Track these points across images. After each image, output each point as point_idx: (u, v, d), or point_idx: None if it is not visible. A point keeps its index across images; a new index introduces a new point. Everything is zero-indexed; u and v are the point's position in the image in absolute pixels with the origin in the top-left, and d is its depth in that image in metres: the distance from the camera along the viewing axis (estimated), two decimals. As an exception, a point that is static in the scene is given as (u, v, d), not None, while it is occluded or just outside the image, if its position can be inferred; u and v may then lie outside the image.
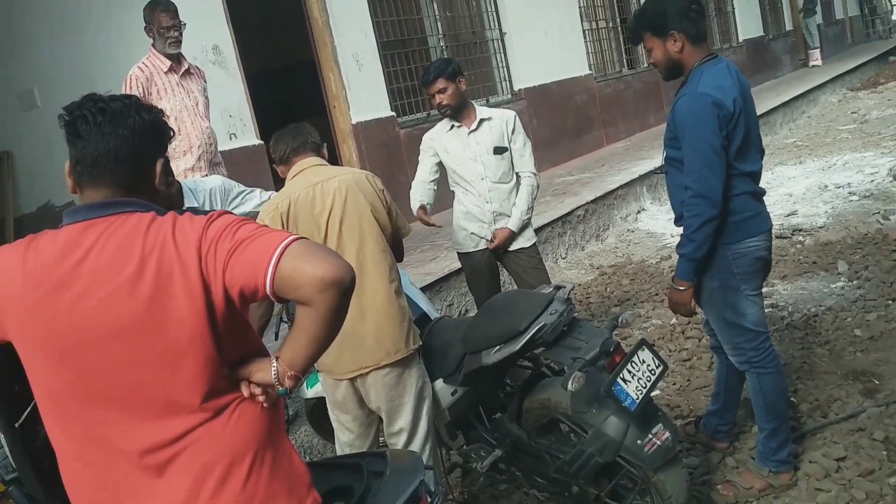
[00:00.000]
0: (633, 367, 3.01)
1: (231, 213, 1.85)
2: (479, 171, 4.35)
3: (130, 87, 4.78)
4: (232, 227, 1.76)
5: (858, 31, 26.83)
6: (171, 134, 2.00)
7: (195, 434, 1.77)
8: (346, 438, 3.40)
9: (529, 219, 4.52)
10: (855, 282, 5.64)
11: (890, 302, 5.14)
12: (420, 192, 4.54)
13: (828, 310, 5.24)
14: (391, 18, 8.55)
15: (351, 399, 3.31)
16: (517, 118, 4.49)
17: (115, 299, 1.71)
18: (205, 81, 5.11)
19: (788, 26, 20.52)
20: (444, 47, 9.22)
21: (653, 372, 3.07)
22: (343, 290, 1.68)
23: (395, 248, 3.39)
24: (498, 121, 4.38)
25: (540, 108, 10.47)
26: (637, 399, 2.96)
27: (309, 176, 3.22)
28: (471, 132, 4.34)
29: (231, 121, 6.71)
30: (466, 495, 3.80)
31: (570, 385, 2.93)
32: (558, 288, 3.35)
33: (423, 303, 3.75)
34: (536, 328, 3.11)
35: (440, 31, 9.23)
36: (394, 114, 8.32)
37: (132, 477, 1.77)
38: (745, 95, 3.24)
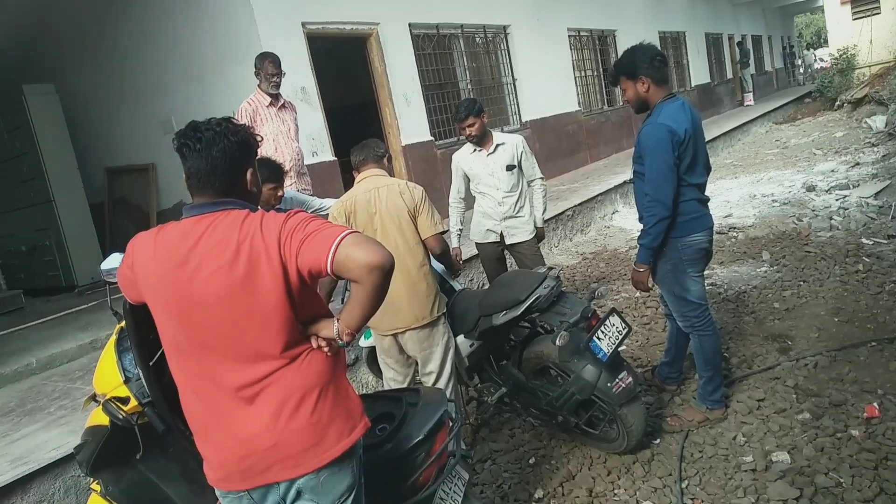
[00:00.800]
0: (606, 329, 2.97)
1: (304, 212, 1.83)
2: (494, 183, 4.30)
3: (241, 117, 4.78)
4: (304, 223, 1.74)
5: (782, 79, 26.26)
6: (259, 142, 1.97)
7: (277, 374, 1.77)
8: (391, 375, 3.40)
9: (535, 217, 4.46)
10: (775, 267, 5.52)
11: (801, 283, 5.02)
12: (455, 212, 4.47)
13: (754, 288, 5.13)
14: (432, 68, 8.46)
15: (393, 348, 3.31)
16: (524, 141, 4.42)
17: (219, 275, 1.71)
18: (296, 113, 5.09)
19: (729, 75, 20.13)
20: (470, 89, 9.13)
21: (620, 333, 3.03)
22: (385, 272, 1.68)
23: (427, 242, 3.27)
24: (510, 145, 4.31)
25: (541, 134, 10.36)
26: (608, 352, 2.92)
27: (368, 183, 3.23)
28: (489, 154, 4.28)
29: (314, 143, 6.70)
30: (480, 420, 3.77)
31: (557, 341, 2.90)
32: (550, 269, 3.32)
33: (447, 278, 3.72)
34: (534, 298, 3.08)
35: (468, 78, 9.14)
36: (432, 138, 8.26)
37: (231, 405, 1.78)
38: (696, 125, 3.18)
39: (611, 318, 3.02)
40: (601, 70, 12.79)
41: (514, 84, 10.03)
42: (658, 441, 3.37)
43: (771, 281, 5.19)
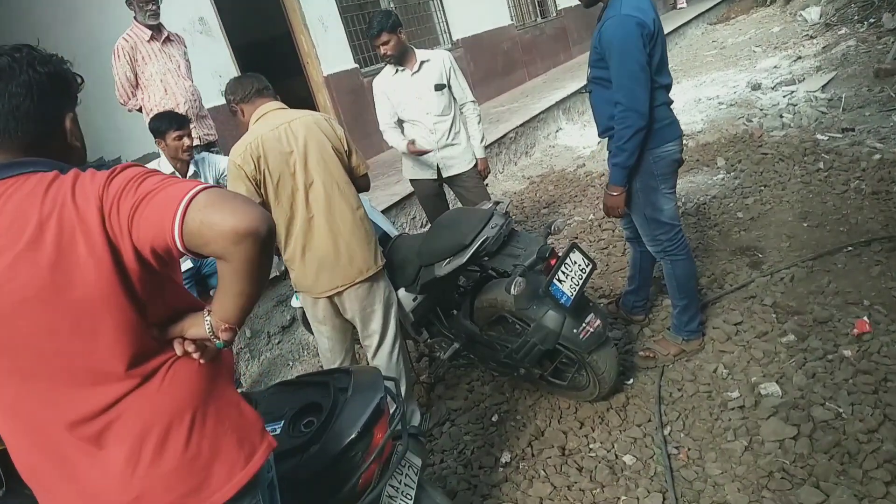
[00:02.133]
0: (567, 269, 2.51)
1: (138, 165, 1.26)
2: (423, 107, 3.71)
3: (118, 57, 4.07)
4: (135, 181, 1.18)
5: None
6: (80, 81, 1.39)
7: (126, 401, 1.25)
8: (326, 345, 2.90)
9: (473, 146, 3.89)
10: (732, 173, 5.15)
11: (762, 188, 4.66)
12: (396, 132, 3.86)
13: (713, 198, 4.75)
14: (349, -14, 7.66)
15: (329, 313, 2.79)
16: (451, 57, 3.82)
17: (17, 268, 1.14)
18: (185, 46, 4.37)
19: (660, -22, 19.47)
20: (393, 7, 8.34)
21: (583, 271, 2.57)
22: (260, 240, 1.16)
23: (356, 182, 2.78)
24: (436, 61, 3.72)
25: (475, 53, 9.68)
26: (571, 296, 2.48)
27: (272, 119, 2.58)
28: (413, 73, 3.69)
29: (220, 80, 5.91)
30: (434, 378, 3.34)
31: (512, 289, 2.43)
32: (497, 203, 2.81)
33: (383, 224, 3.19)
34: (480, 241, 2.59)
35: (390, -5, 8.35)
36: (357, 66, 7.52)
37: (72, 448, 1.24)
38: (657, 15, 2.66)
39: (571, 254, 2.56)
40: (532, -21, 12.04)
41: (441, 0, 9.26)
42: (631, 381, 3.00)
43: (730, 189, 4.82)
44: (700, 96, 8.08)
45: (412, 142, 3.74)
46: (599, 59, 2.69)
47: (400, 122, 3.84)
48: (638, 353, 3.14)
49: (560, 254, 2.54)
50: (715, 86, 8.53)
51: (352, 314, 2.79)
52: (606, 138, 2.88)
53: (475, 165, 3.89)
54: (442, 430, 3.05)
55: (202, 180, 3.53)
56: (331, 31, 7.21)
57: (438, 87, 3.68)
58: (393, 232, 3.17)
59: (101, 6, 5.40)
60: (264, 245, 1.17)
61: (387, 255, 3.00)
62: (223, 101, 5.75)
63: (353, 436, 1.83)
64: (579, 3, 2.80)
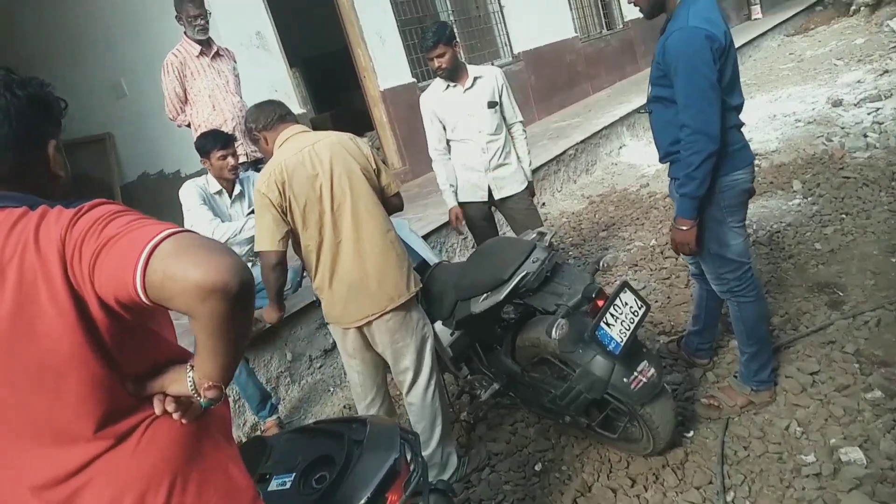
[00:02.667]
0: (616, 310, 2.25)
1: (113, 202, 1.10)
2: (475, 125, 3.50)
3: (167, 72, 4.03)
4: (100, 223, 1.03)
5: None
6: (64, 106, 1.26)
7: (97, 465, 1.12)
8: (357, 380, 2.71)
9: (523, 168, 3.68)
10: (810, 198, 4.73)
11: (844, 216, 4.24)
12: (442, 165, 3.64)
13: (788, 225, 4.36)
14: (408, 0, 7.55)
15: (359, 346, 2.61)
16: (503, 73, 3.62)
17: None
18: (234, 61, 4.31)
19: (734, -12, 18.77)
20: (453, 21, 8.20)
21: (636, 313, 2.30)
22: (229, 297, 1.00)
23: (386, 202, 2.62)
24: (488, 77, 3.53)
25: (536, 66, 9.42)
26: (621, 342, 2.21)
27: (295, 143, 2.46)
28: (466, 90, 3.49)
29: (276, 95, 5.88)
30: (473, 419, 3.10)
31: (553, 332, 2.18)
32: (542, 235, 2.57)
33: (422, 250, 2.99)
34: (519, 277, 2.35)
35: (449, 8, 8.21)
36: (414, 80, 7.38)
37: None
38: (728, 29, 2.37)
39: (622, 294, 2.29)
40: (597, -10, 11.73)
41: (502, 12, 9.06)
42: (692, 434, 2.70)
43: (807, 216, 4.42)
44: (775, 112, 7.59)
45: (456, 209, 3.64)
46: (662, 77, 2.42)
47: (448, 144, 3.63)
48: (700, 400, 2.84)
49: (609, 293, 2.28)
50: (792, 101, 8.02)
51: (382, 348, 2.60)
52: (668, 163, 2.61)
53: (527, 187, 3.66)
54: (481, 477, 2.82)
55: (247, 199, 3.46)
56: (388, 45, 7.10)
57: (491, 105, 3.48)
58: (433, 259, 2.97)
59: (159, 22, 5.44)
60: (235, 302, 1.00)
61: (424, 284, 2.81)
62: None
63: (364, 497, 1.63)
64: (641, 13, 2.52)
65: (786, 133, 6.64)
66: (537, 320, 2.57)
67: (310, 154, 2.42)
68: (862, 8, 13.43)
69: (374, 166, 2.58)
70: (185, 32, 4.03)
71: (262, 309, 2.69)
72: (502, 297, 2.36)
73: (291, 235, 2.44)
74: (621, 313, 2.25)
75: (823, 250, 3.86)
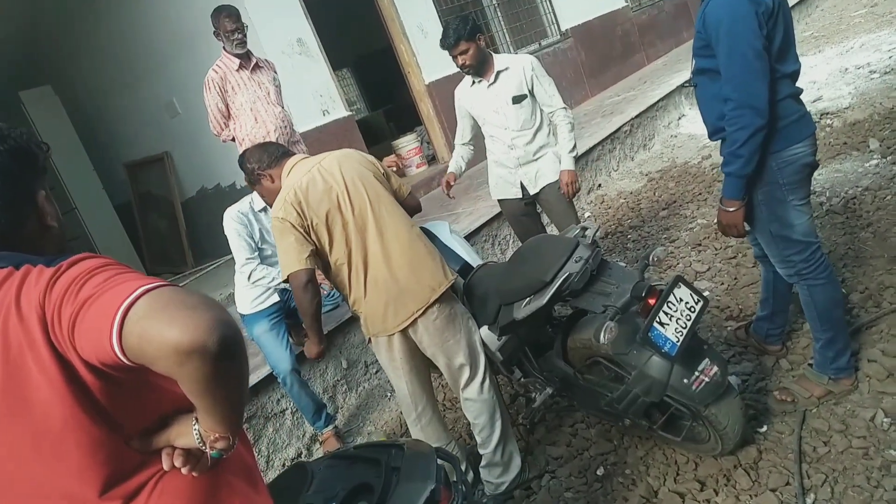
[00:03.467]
0: (670, 308, 2.08)
1: (94, 256, 1.04)
2: (500, 121, 3.36)
3: (209, 89, 4.06)
4: (77, 283, 0.96)
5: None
6: (46, 149, 1.21)
7: None
8: (406, 390, 2.63)
9: (560, 156, 3.46)
10: (889, 157, 4.34)
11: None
12: (457, 154, 3.66)
13: (865, 190, 4.01)
14: (446, -12, 7.40)
15: (406, 353, 2.55)
16: (535, 61, 3.37)
17: None
18: (275, 72, 4.29)
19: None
20: (496, 5, 8.00)
21: (692, 309, 2.13)
22: (210, 357, 0.91)
23: (404, 204, 2.62)
24: (516, 69, 3.32)
25: (586, 42, 9.09)
26: (677, 342, 2.05)
27: (301, 167, 2.48)
28: (490, 85, 3.33)
29: (321, 100, 5.90)
30: (529, 423, 2.99)
31: (602, 337, 2.04)
32: (584, 229, 2.41)
33: (464, 252, 2.87)
34: (562, 279, 2.21)
35: (491, -8, 8.01)
36: (459, 70, 7.23)
37: None
38: None
39: (676, 290, 2.12)
40: (646, -44, 11.21)
41: (547, -11, 8.78)
42: (765, 429, 2.51)
43: (887, 178, 4.05)
44: (847, 65, 7.06)
45: (451, 174, 3.59)
46: (704, 47, 2.22)
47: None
48: (773, 393, 2.63)
49: (660, 291, 2.11)
50: (865, 51, 7.43)
51: (432, 350, 2.52)
52: (719, 141, 2.40)
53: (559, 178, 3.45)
54: (541, 484, 2.70)
55: None
56: (431, 38, 6.97)
57: (517, 100, 3.30)
58: (476, 261, 2.86)
59: (205, 39, 5.49)
60: (217, 361, 0.92)
61: (467, 287, 2.71)
62: (323, 121, 5.75)
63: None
64: None
65: (859, 87, 6.16)
66: (588, 320, 2.42)
67: (318, 171, 2.43)
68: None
69: (383, 171, 2.58)
70: (223, 47, 4.04)
71: (304, 342, 2.66)
72: (545, 301, 2.22)
73: (318, 258, 2.39)
74: (676, 310, 2.09)
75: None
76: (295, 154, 2.58)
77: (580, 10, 9.13)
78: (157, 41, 6.29)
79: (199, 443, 1.09)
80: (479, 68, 3.31)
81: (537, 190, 3.48)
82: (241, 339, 0.97)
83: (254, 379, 3.42)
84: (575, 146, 3.42)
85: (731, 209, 2.29)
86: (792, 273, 2.42)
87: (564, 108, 3.43)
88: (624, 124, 6.66)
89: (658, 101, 7.27)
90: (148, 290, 0.92)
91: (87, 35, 6.94)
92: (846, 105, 5.76)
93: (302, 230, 2.32)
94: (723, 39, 2.10)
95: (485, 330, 2.64)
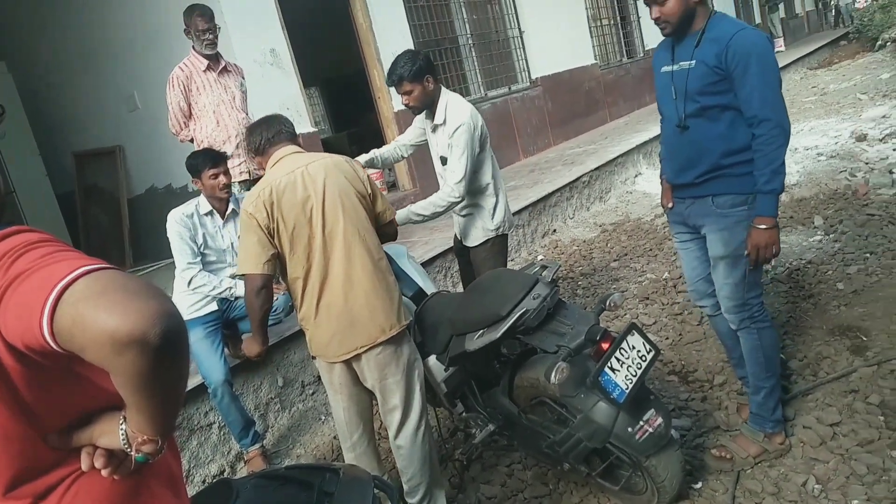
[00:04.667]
0: (623, 354, 2.08)
1: (33, 230, 0.96)
2: (438, 169, 3.15)
3: (172, 86, 3.95)
4: (10, 256, 0.88)
5: (814, 23, 24.51)
6: (1, 111, 1.13)
7: None
8: (343, 416, 2.54)
9: (429, 217, 3.07)
10: (831, 235, 4.52)
11: (868, 255, 4.04)
12: (385, 147, 3.38)
13: (809, 263, 4.16)
14: (426, 22, 7.47)
15: (346, 381, 2.46)
16: (460, 130, 2.92)
17: None
18: (242, 77, 4.21)
19: (757, 20, 18.66)
20: (472, 45, 8.12)
21: (643, 358, 2.13)
22: (149, 350, 0.83)
23: (381, 230, 2.49)
24: (446, 129, 2.98)
25: (554, 92, 9.30)
26: (626, 389, 2.04)
27: (288, 163, 2.34)
28: (433, 130, 3.12)
29: (288, 113, 5.79)
30: (466, 459, 2.92)
31: (553, 377, 2.01)
32: (544, 268, 2.40)
33: (419, 278, 2.83)
34: (518, 314, 2.18)
35: (468, 31, 8.11)
36: (429, 101, 7.27)
37: None
38: None
39: (629, 338, 2.12)
40: (619, 19, 11.64)
41: (522, 37, 8.96)
42: (700, 485, 2.51)
43: (829, 254, 4.22)
44: (796, 146, 7.39)
45: (371, 158, 3.30)
46: (716, 83, 2.28)
47: None
48: (710, 450, 2.63)
49: (615, 336, 2.11)
50: (814, 135, 7.82)
51: (371, 383, 2.43)
52: (702, 181, 2.41)
53: (485, 243, 3.18)
54: (471, 523, 2.63)
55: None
56: (404, 66, 7.02)
57: (444, 161, 3.06)
58: (430, 288, 2.81)
59: (174, 36, 5.37)
60: (158, 355, 0.84)
61: (419, 314, 2.65)
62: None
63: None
64: (662, 31, 2.39)
65: (807, 167, 6.45)
66: (537, 359, 2.40)
67: (303, 175, 2.30)
68: (888, 43, 13.26)
69: (370, 191, 2.44)
70: (193, 46, 3.94)
71: (245, 338, 2.54)
72: (499, 335, 2.19)
73: (279, 262, 2.30)
74: (628, 357, 2.08)
75: (846, 291, 3.65)
76: (286, 143, 2.40)
77: (551, 62, 9.35)
78: (125, 31, 6.12)
79: (125, 444, 1.00)
80: (425, 109, 3.06)
81: (467, 244, 3.26)
82: (186, 333, 0.91)
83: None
84: (421, 216, 3.03)
85: (770, 227, 2.28)
86: (745, 317, 2.47)
87: (453, 186, 2.97)
88: (583, 175, 6.77)
89: (617, 157, 7.44)
90: (89, 272, 0.85)
91: (53, 15, 6.72)
92: (794, 182, 6.00)
93: (267, 232, 2.23)
94: (754, 67, 2.20)
95: (433, 359, 2.58)
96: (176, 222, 3.12)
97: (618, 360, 2.05)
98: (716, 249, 2.46)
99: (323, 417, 3.75)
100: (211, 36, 3.90)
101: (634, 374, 2.06)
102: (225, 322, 3.33)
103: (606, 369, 2.01)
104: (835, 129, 7.75)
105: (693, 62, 2.32)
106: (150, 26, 5.85)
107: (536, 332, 2.21)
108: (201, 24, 3.86)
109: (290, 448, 3.48)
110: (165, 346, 0.84)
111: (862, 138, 6.91)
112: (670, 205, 2.63)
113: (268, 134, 2.40)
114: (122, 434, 1.00)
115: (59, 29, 6.74)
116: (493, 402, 2.61)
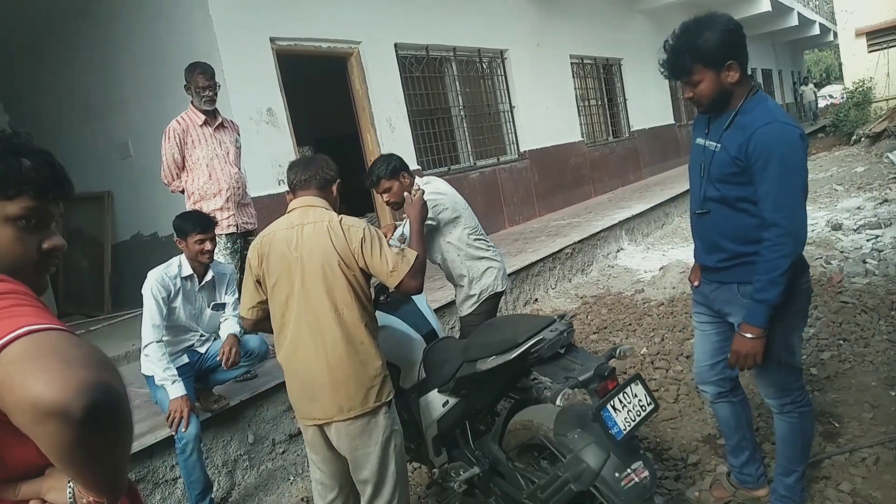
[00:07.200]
0: (625, 398, 2.21)
1: (2, 279, 0.95)
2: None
3: (168, 138, 4.09)
4: None
5: (793, 114, 25.53)
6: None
7: None
8: (318, 476, 2.55)
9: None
10: (807, 321, 4.62)
11: (841, 342, 4.17)
12: None
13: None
14: (420, 92, 7.84)
15: (318, 443, 2.47)
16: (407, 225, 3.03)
17: None
18: (237, 133, 4.36)
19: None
20: (463, 116, 8.41)
21: (643, 408, 2.25)
22: (71, 422, 0.78)
23: (400, 287, 2.39)
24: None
25: (541, 165, 9.66)
26: (624, 429, 2.16)
27: (295, 216, 2.39)
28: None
29: (280, 170, 5.96)
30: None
31: (558, 400, 2.14)
32: (561, 317, 2.48)
33: (433, 321, 3.07)
34: (534, 341, 2.31)
35: (461, 103, 8.46)
36: (419, 167, 7.51)
37: None
38: None
39: (633, 385, 2.25)
40: (606, 99, 12.12)
41: (512, 112, 9.36)
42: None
43: (803, 339, 4.29)
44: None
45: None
46: (738, 173, 2.21)
47: None
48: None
49: (620, 381, 2.25)
50: (791, 222, 8.06)
51: (343, 452, 2.44)
52: (722, 268, 2.40)
53: (469, 314, 3.32)
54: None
55: (215, 290, 3.35)
56: (398, 132, 7.27)
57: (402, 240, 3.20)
58: (441, 333, 3.05)
59: (170, 87, 5.52)
60: (82, 429, 0.79)
61: (427, 353, 2.85)
62: (277, 189, 5.75)
63: None
64: (696, 108, 2.33)
65: (785, 252, 6.61)
66: (534, 407, 2.50)
67: (298, 233, 2.33)
68: (863, 139, 13.85)
69: (363, 261, 2.33)
70: (192, 101, 4.07)
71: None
72: (513, 356, 2.30)
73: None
74: (630, 403, 2.22)
75: (819, 376, 3.75)
76: (307, 193, 2.41)
77: (540, 136, 9.72)
78: (124, 80, 6.35)
79: (72, 502, 0.99)
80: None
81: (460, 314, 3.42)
82: (120, 408, 0.84)
83: (150, 440, 3.22)
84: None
85: (755, 337, 2.24)
86: (787, 402, 2.46)
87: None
88: (566, 247, 6.95)
89: (600, 231, 7.67)
90: (31, 332, 0.83)
91: (53, 58, 6.93)
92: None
93: (256, 278, 2.40)
94: (774, 166, 2.10)
95: (434, 393, 2.72)
96: (157, 282, 3.17)
97: (620, 402, 2.17)
98: None
99: (292, 478, 3.71)
100: (210, 93, 4.05)
101: (633, 419, 2.19)
102: (196, 375, 3.32)
103: (609, 406, 2.12)
104: (811, 218, 7.97)
105: (719, 146, 2.26)
106: (149, 80, 6.07)
107: (547, 366, 2.32)
108: (202, 81, 4.01)
109: (254, 508, 3.41)
110: (88, 421, 0.78)
111: (837, 227, 7.19)
112: (696, 283, 2.59)
113: (301, 176, 2.42)
114: (70, 492, 0.99)
115: (58, 74, 7.02)
116: (482, 447, 2.72)
